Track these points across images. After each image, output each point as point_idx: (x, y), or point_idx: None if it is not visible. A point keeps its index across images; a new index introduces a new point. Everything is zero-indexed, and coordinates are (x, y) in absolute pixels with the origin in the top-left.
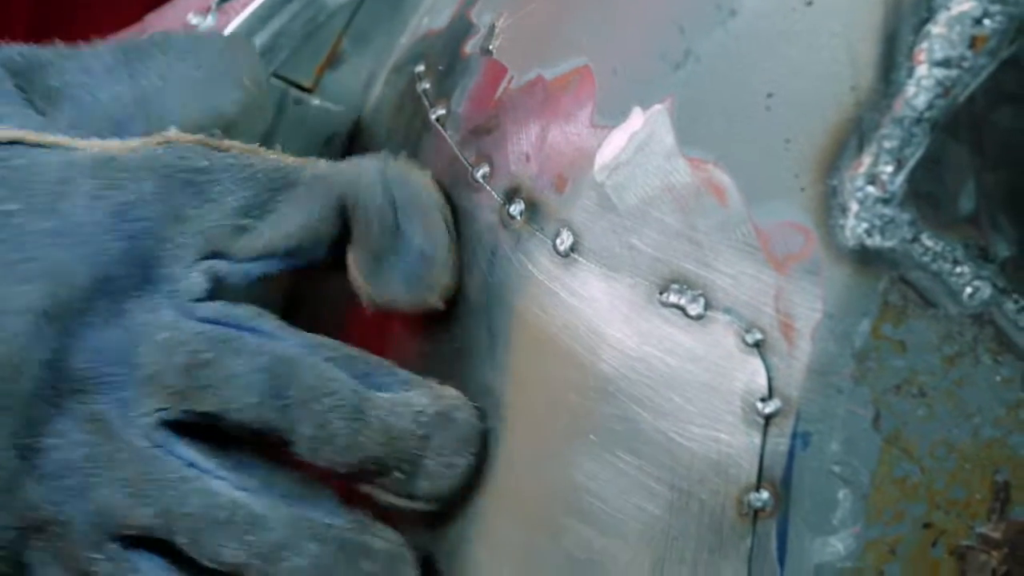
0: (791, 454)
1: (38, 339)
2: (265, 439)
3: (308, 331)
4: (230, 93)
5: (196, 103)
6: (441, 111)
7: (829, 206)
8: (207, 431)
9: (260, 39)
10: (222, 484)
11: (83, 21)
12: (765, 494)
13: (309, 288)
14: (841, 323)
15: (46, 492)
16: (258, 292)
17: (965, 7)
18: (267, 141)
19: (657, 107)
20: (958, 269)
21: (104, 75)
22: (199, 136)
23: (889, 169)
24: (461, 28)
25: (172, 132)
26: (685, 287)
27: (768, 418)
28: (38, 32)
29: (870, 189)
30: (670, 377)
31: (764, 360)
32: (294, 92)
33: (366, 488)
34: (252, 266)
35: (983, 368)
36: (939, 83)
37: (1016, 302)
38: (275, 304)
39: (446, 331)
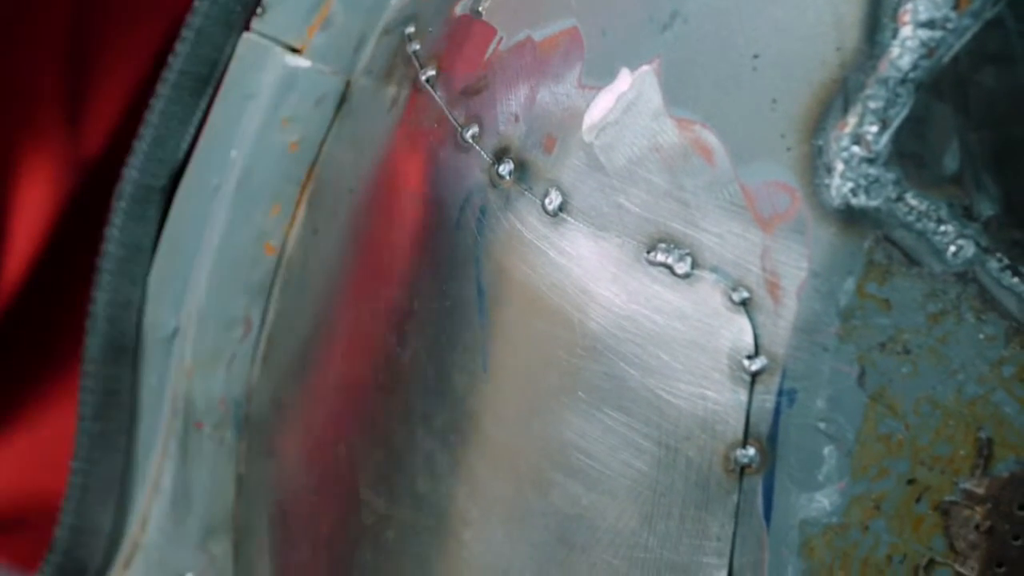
0: (777, 411)
1: None
2: None
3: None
4: None
5: None
6: (431, 72)
7: (815, 166)
8: None
9: None
10: None
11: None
12: (751, 450)
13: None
14: (826, 282)
15: None
16: None
17: None
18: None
19: (645, 68)
20: (942, 228)
21: None
22: None
23: (874, 129)
24: None
25: None
26: (672, 246)
27: (754, 375)
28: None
29: (855, 149)
30: (657, 335)
31: (750, 318)
32: (285, 53)
33: None
34: None
35: (967, 326)
36: (923, 44)
37: (999, 260)
38: None
39: (436, 290)
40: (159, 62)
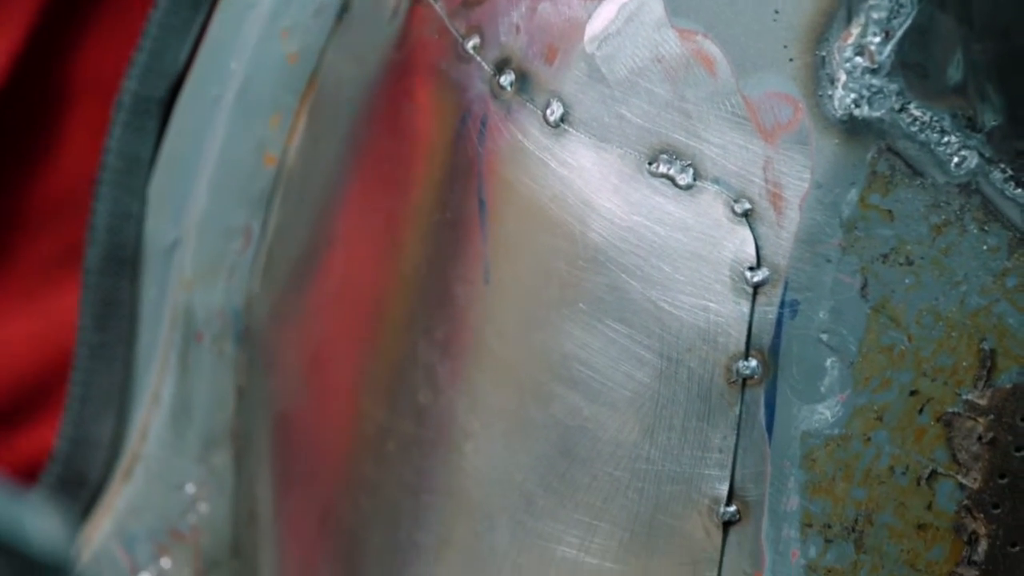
0: (779, 322)
1: None
2: None
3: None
4: None
5: None
6: None
7: (818, 77)
8: None
9: None
10: None
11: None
12: (753, 362)
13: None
14: (829, 193)
15: None
16: None
17: None
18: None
19: None
20: (945, 139)
21: None
22: None
23: (877, 39)
24: None
25: None
26: (674, 157)
27: (756, 287)
28: None
29: (858, 60)
30: (659, 246)
31: (752, 229)
32: None
33: None
34: None
35: (970, 237)
36: None
37: (1003, 171)
38: None
39: (437, 201)
40: None
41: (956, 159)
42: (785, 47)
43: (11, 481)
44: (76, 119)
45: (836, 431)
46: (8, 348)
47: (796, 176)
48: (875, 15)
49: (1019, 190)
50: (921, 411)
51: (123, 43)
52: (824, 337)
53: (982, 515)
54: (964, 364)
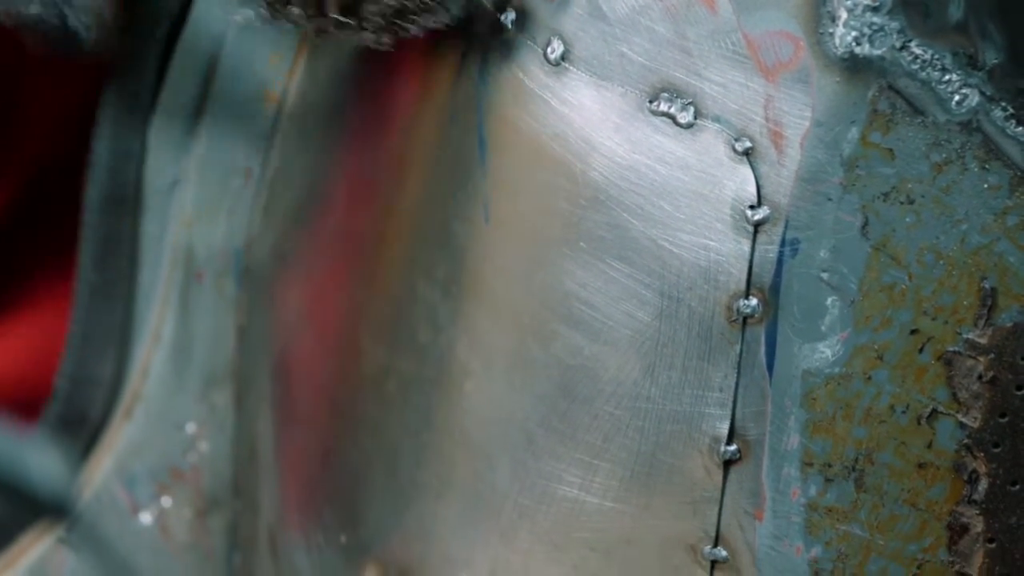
0: (780, 261)
1: None
2: None
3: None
4: None
5: None
6: None
7: (819, 15)
8: None
9: None
10: None
11: None
12: (754, 301)
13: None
14: (830, 131)
15: None
16: None
17: None
18: None
19: None
20: (946, 77)
21: None
22: None
23: None
24: None
25: None
26: (675, 96)
27: (757, 225)
28: None
29: None
30: (660, 185)
31: (753, 168)
32: None
33: None
34: None
35: (971, 175)
36: None
37: (1004, 109)
38: None
39: (438, 140)
40: None
41: (957, 97)
42: None
43: (12, 420)
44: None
45: (837, 370)
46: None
47: (797, 114)
48: None
49: (1020, 128)
50: (922, 350)
51: None
52: (825, 276)
53: (982, 454)
54: (965, 303)
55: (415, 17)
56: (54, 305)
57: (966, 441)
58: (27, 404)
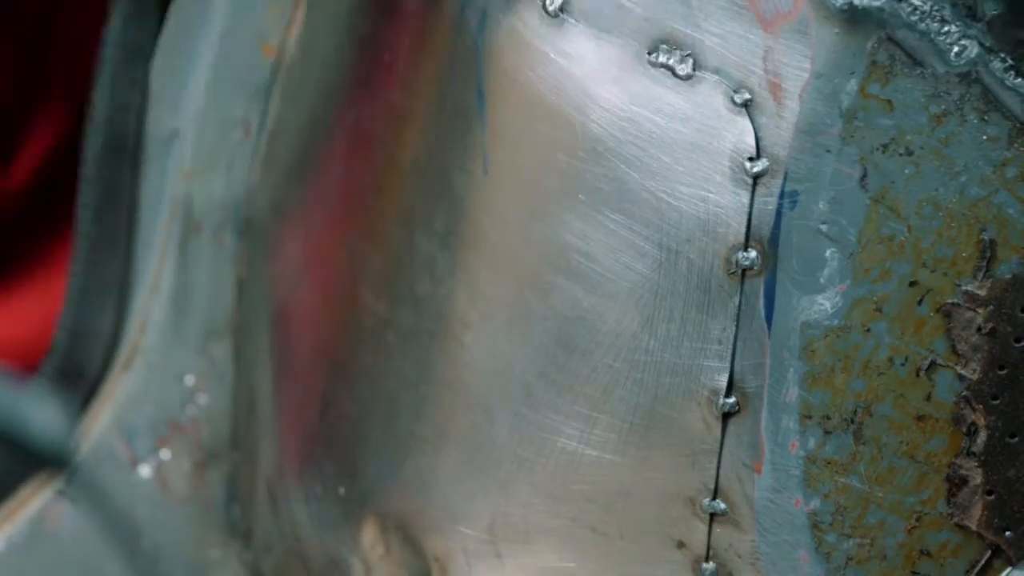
0: (779, 213)
1: None
2: None
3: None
4: None
5: None
6: None
7: None
8: None
9: None
10: None
11: None
12: (753, 253)
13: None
14: (829, 82)
15: None
16: None
17: None
18: None
19: None
20: (945, 28)
21: None
22: None
23: None
24: None
25: None
26: (674, 47)
27: (756, 177)
28: None
29: None
30: (659, 137)
31: (752, 120)
32: None
33: None
34: None
35: (970, 127)
36: None
37: (1003, 61)
38: None
39: (436, 91)
40: None
41: (956, 48)
42: None
43: (11, 372)
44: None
45: (835, 322)
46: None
47: (796, 66)
48: None
49: (1019, 80)
50: (920, 302)
51: None
52: (824, 228)
53: (981, 406)
54: (964, 255)
55: None
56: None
57: (965, 393)
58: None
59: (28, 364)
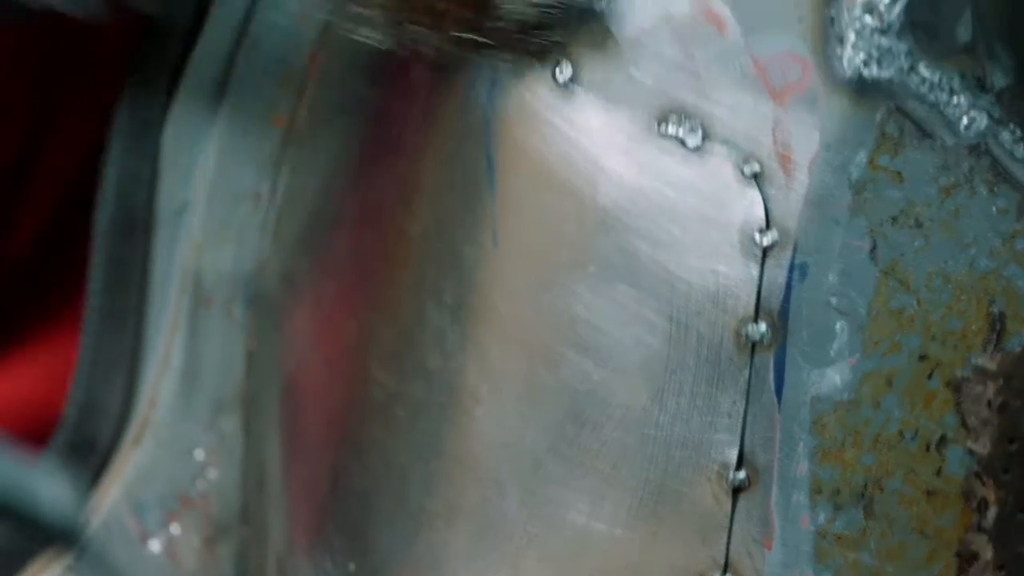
0: (789, 286)
1: None
2: None
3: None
4: None
5: None
6: None
7: (827, 36)
8: None
9: None
10: None
11: None
12: (763, 326)
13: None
14: (838, 154)
15: None
16: None
17: None
18: None
19: None
20: (955, 99)
21: None
22: None
23: None
24: None
25: None
26: (683, 118)
27: (766, 250)
28: None
29: (867, 19)
30: (668, 209)
31: (762, 191)
32: None
33: None
34: None
35: (979, 199)
36: None
37: (1012, 132)
38: None
39: (445, 163)
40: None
41: (965, 120)
42: (795, 6)
43: (21, 447)
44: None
45: (845, 396)
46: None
47: (805, 137)
48: None
49: None
50: (931, 375)
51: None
52: (834, 300)
53: (992, 481)
54: (973, 328)
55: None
56: (74, 333)
57: (975, 468)
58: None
59: (31, 428)
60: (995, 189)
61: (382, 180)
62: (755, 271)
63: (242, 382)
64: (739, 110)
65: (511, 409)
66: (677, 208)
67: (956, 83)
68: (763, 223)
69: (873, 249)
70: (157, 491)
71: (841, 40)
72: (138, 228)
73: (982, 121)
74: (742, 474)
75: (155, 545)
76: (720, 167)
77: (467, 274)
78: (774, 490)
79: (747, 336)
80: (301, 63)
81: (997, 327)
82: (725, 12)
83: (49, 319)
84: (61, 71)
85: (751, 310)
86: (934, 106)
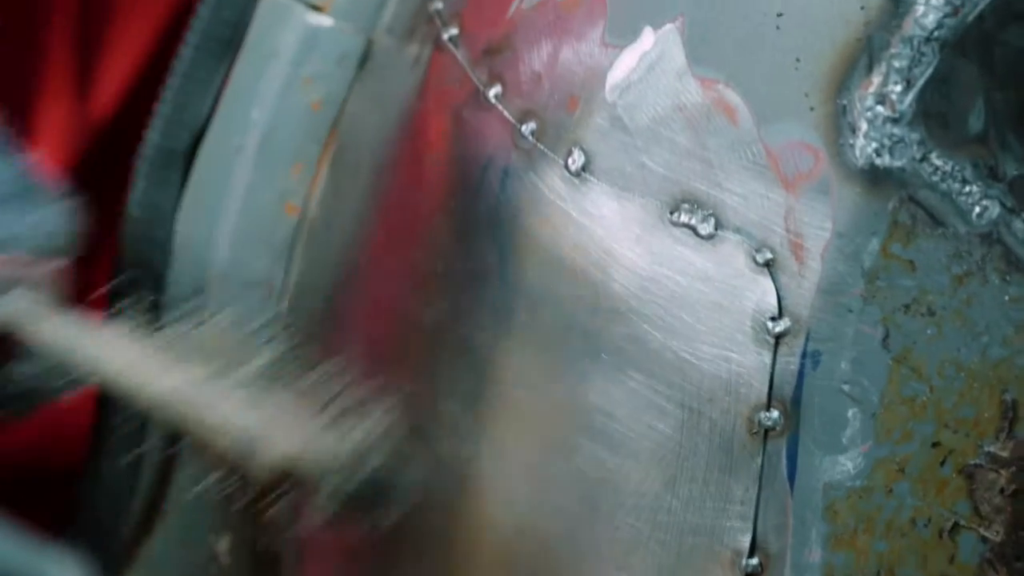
0: (801, 373)
1: None
2: None
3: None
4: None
5: None
6: (453, 31)
7: (839, 126)
8: None
9: None
10: None
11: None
12: (775, 413)
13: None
14: (851, 242)
15: None
16: None
17: None
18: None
19: (668, 26)
20: (967, 188)
21: None
22: None
23: (898, 88)
24: None
25: None
26: (696, 206)
27: (778, 337)
28: None
29: (879, 108)
30: (681, 297)
31: (774, 279)
32: (307, 11)
33: None
34: None
35: (991, 287)
36: (948, 2)
37: None
38: None
39: (458, 251)
40: (170, 27)
41: (977, 209)
42: (806, 96)
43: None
44: None
45: (858, 483)
46: None
47: (817, 226)
48: (896, 64)
49: None
50: (943, 463)
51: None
52: (846, 388)
53: (1004, 568)
54: (986, 415)
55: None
56: None
57: (988, 555)
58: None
59: None
60: (1007, 277)
61: (395, 267)
62: (767, 359)
63: None
64: (751, 198)
65: (524, 495)
66: (689, 296)
67: (968, 172)
68: (775, 311)
69: (886, 337)
70: None
71: (853, 129)
72: (150, 316)
73: (994, 210)
74: (755, 560)
75: None
76: (732, 255)
77: (480, 362)
78: None
79: (759, 423)
80: (314, 151)
81: (1009, 415)
82: (737, 101)
83: None
84: None
85: (763, 397)
86: (946, 195)
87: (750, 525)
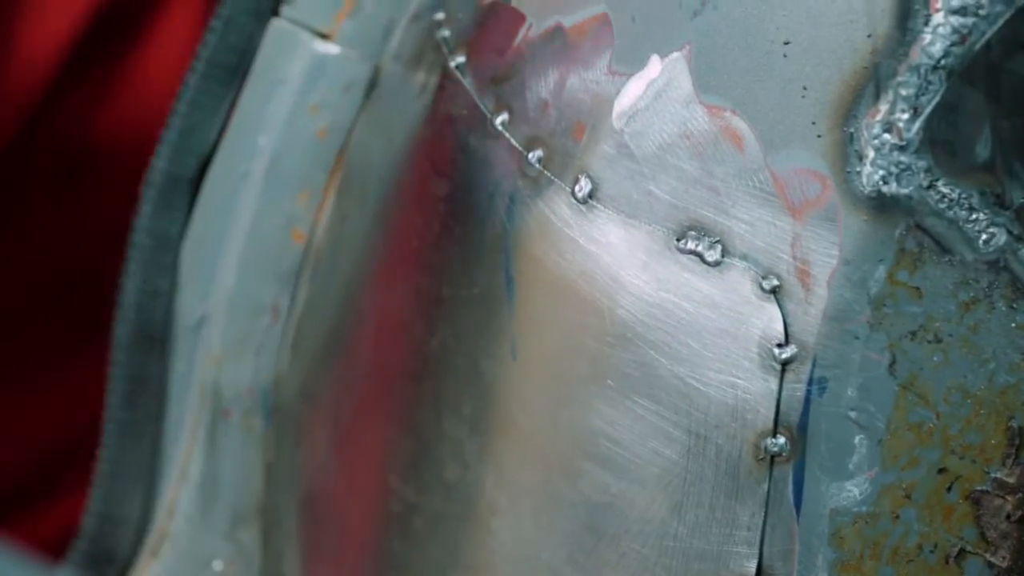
0: (807, 400)
1: None
2: None
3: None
4: None
5: None
6: (460, 59)
7: (846, 153)
8: None
9: None
10: None
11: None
12: (782, 439)
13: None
14: (857, 270)
15: None
16: None
17: None
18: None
19: (675, 54)
20: (974, 216)
21: None
22: None
23: (905, 116)
24: None
25: None
26: (702, 233)
27: (785, 364)
28: None
29: (887, 136)
30: (687, 323)
31: (781, 306)
32: (314, 39)
33: None
34: None
35: (998, 314)
36: (955, 31)
37: None
38: None
39: (464, 277)
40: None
41: (984, 236)
42: (813, 123)
43: (38, 558)
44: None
45: (864, 509)
46: (29, 422)
47: (824, 253)
48: (903, 91)
49: None
50: (950, 489)
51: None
52: (852, 414)
53: None
54: (992, 442)
55: None
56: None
57: None
58: None
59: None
60: (1014, 305)
61: (401, 293)
62: (774, 385)
63: (261, 494)
64: (758, 225)
65: (529, 520)
66: (696, 322)
67: (975, 200)
68: (782, 337)
69: (892, 364)
70: None
71: (860, 157)
72: (156, 342)
73: (1001, 237)
74: None
75: None
76: (739, 282)
77: (486, 387)
78: None
79: (766, 449)
80: (321, 178)
81: (1016, 441)
82: (744, 128)
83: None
84: None
85: (770, 424)
86: (953, 222)
87: (756, 551)
